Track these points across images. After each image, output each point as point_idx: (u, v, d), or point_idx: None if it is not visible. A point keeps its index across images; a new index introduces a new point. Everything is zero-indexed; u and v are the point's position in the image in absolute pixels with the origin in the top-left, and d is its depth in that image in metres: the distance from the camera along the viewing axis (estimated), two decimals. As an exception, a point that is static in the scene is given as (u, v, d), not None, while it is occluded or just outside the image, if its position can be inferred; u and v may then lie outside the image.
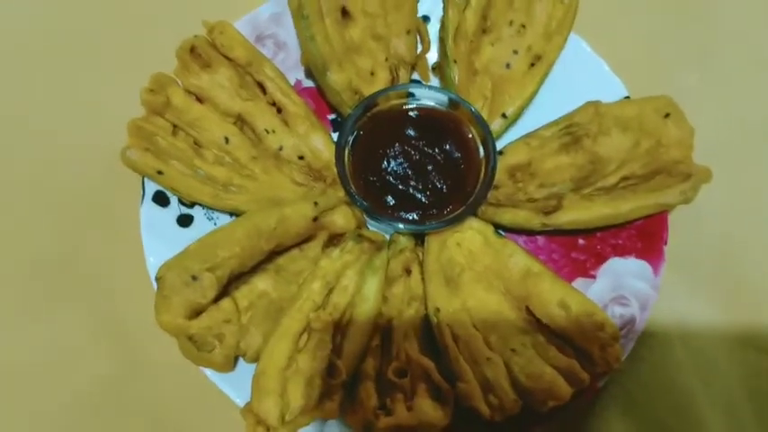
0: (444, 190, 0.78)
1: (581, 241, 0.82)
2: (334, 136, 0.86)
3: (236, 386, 0.72)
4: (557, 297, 0.73)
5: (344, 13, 0.85)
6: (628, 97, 0.84)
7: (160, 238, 0.77)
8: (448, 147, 0.80)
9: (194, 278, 0.69)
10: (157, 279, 0.69)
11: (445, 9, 0.81)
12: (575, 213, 0.77)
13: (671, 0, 1.03)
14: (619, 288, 0.78)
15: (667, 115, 0.78)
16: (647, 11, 1.02)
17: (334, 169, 0.80)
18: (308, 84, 0.89)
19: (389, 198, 0.78)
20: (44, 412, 0.80)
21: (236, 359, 0.72)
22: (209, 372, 0.72)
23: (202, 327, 0.69)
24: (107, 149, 0.78)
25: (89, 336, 0.82)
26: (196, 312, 0.70)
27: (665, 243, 0.78)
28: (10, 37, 0.98)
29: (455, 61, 0.81)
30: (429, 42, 0.88)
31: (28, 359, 0.81)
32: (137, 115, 0.78)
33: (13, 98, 0.95)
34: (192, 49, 0.81)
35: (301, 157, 0.82)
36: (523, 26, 0.85)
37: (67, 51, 0.97)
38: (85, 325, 0.82)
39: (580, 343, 0.71)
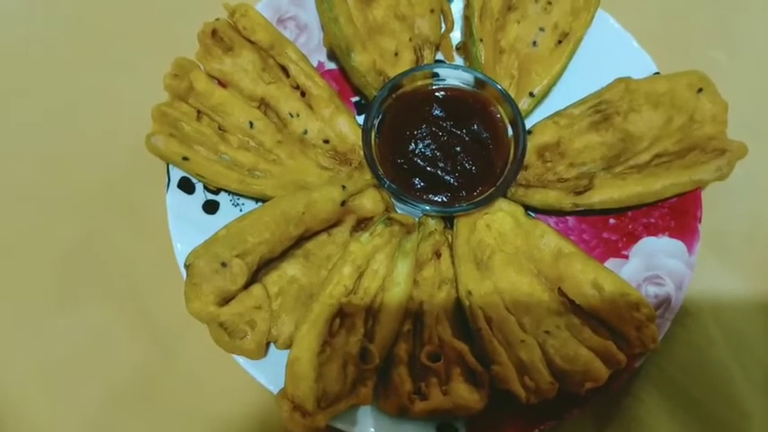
0: (473, 171, 0.77)
1: (612, 221, 0.80)
2: (359, 119, 0.85)
3: (268, 373, 0.71)
4: (589, 278, 0.71)
5: (366, -8, 0.84)
6: (657, 73, 0.82)
7: (187, 225, 0.76)
8: (476, 127, 0.78)
9: (224, 265, 0.69)
10: (186, 267, 0.69)
11: None
12: (607, 192, 0.75)
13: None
14: (653, 267, 0.77)
15: (700, 90, 0.76)
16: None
17: (360, 152, 0.79)
18: (331, 66, 0.88)
19: (417, 180, 0.77)
20: (79, 403, 0.79)
21: (267, 346, 0.71)
22: (241, 359, 0.71)
23: (233, 313, 0.69)
24: (132, 137, 0.77)
25: (120, 325, 0.81)
26: (226, 299, 0.69)
27: (700, 221, 0.77)
28: (34, 26, 0.98)
29: (481, 40, 0.80)
30: (453, 21, 0.87)
31: (61, 351, 0.81)
32: (160, 101, 0.78)
33: (38, 88, 0.94)
34: (214, 33, 0.80)
35: (326, 141, 0.81)
36: (549, 3, 0.83)
37: (90, 39, 0.96)
38: (117, 315, 0.82)
39: (615, 324, 0.70)
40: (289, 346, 0.70)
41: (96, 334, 0.81)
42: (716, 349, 0.78)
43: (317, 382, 0.64)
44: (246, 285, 0.70)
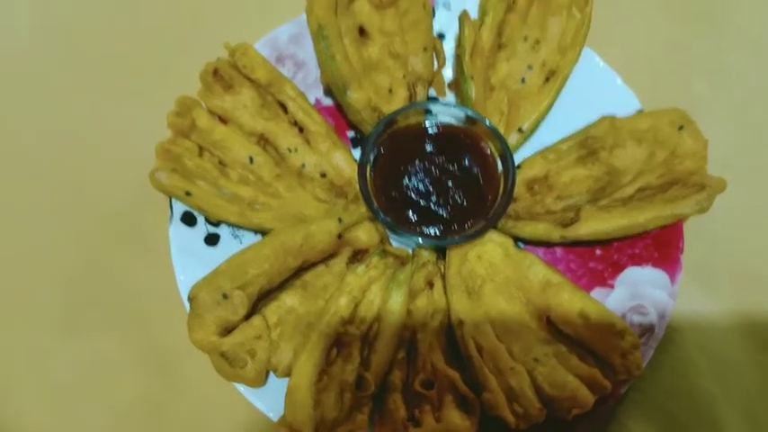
0: (464, 204, 0.80)
1: (598, 251, 0.84)
2: (355, 153, 0.88)
3: (268, 401, 0.73)
4: (576, 307, 0.75)
5: (362, 32, 0.87)
6: (641, 110, 0.86)
7: (189, 257, 0.79)
8: (467, 162, 0.82)
9: (225, 296, 0.72)
10: (190, 299, 0.72)
11: (461, 27, 0.83)
12: (593, 225, 0.78)
13: (680, 12, 1.04)
14: (637, 297, 0.80)
15: (681, 127, 0.80)
16: (657, 23, 1.03)
17: (356, 185, 0.82)
18: (328, 102, 0.91)
19: (411, 213, 0.80)
20: (82, 431, 0.81)
21: (267, 374, 0.74)
22: (242, 387, 0.73)
23: (235, 343, 0.71)
24: (136, 171, 0.80)
25: (124, 354, 0.83)
26: (228, 330, 0.72)
27: (682, 252, 0.80)
28: (42, 62, 1.01)
29: (472, 78, 0.83)
30: (445, 59, 0.90)
31: (65, 378, 0.83)
32: (163, 138, 0.80)
33: (45, 122, 0.97)
34: (215, 72, 0.83)
35: (323, 175, 0.84)
36: (538, 41, 0.87)
37: (96, 78, 0.99)
38: (120, 343, 0.84)
39: (601, 351, 0.73)
40: (288, 374, 0.72)
41: (100, 362, 0.83)
42: (699, 375, 0.81)
43: (314, 410, 0.67)
44: (247, 316, 0.73)
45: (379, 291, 0.76)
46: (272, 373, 0.75)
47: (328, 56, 0.82)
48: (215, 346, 0.71)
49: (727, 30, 1.03)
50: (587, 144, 0.83)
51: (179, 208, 0.81)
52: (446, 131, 0.84)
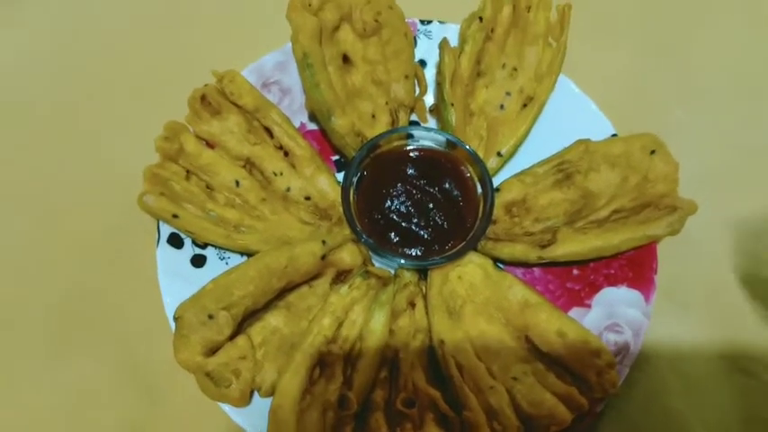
0: (445, 226, 0.82)
1: (575, 272, 0.86)
2: (339, 176, 0.90)
3: (252, 420, 0.75)
4: (554, 326, 0.76)
5: (345, 59, 0.90)
6: (615, 134, 0.89)
7: (175, 279, 0.81)
8: (447, 185, 0.84)
9: (211, 317, 0.73)
10: (176, 319, 0.73)
11: (441, 55, 0.86)
12: (569, 246, 0.81)
13: (652, 41, 1.08)
14: (612, 316, 0.82)
15: (653, 152, 0.83)
16: (630, 51, 1.07)
17: (340, 208, 0.84)
18: (312, 126, 0.94)
19: (393, 235, 0.82)
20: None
21: (251, 394, 0.75)
22: (226, 407, 0.75)
23: (219, 363, 0.73)
24: (124, 194, 0.82)
25: (110, 375, 0.84)
26: (213, 350, 0.73)
27: (655, 272, 0.83)
28: (28, 87, 1.03)
29: (452, 104, 0.86)
30: (426, 86, 0.93)
31: (51, 402, 0.83)
32: (151, 162, 0.82)
33: (34, 147, 0.99)
34: (203, 98, 0.86)
35: (308, 198, 0.86)
36: (515, 69, 0.90)
37: (86, 103, 1.02)
38: (106, 365, 0.85)
39: (578, 370, 0.75)
40: (271, 393, 0.73)
41: (85, 384, 0.84)
42: (673, 394, 0.83)
43: (297, 429, 0.68)
44: (232, 336, 0.74)
45: (362, 311, 0.78)
46: (256, 393, 0.76)
47: (313, 83, 0.84)
48: (200, 366, 0.72)
49: (693, 60, 1.07)
50: (563, 168, 0.86)
51: (166, 230, 0.82)
52: (427, 155, 0.87)
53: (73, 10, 1.10)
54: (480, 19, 0.87)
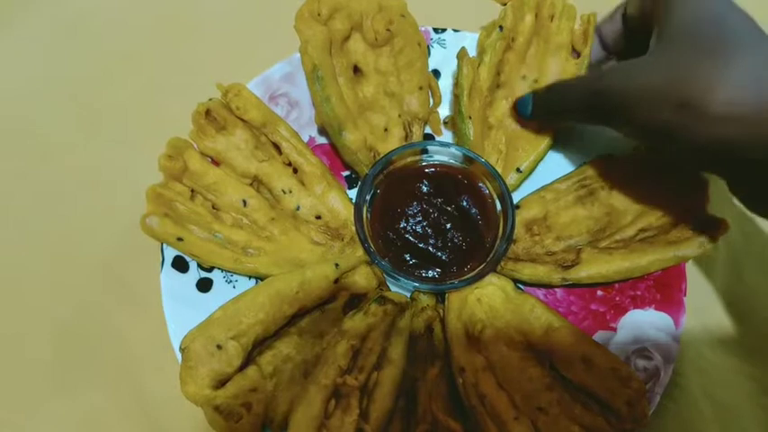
0: (463, 247, 0.79)
1: (599, 293, 0.82)
2: (350, 192, 0.87)
3: (264, 455, 0.71)
4: (580, 352, 0.73)
5: (356, 70, 0.86)
6: (639, 147, 0.85)
7: (181, 304, 0.77)
8: (465, 203, 0.80)
9: (219, 347, 0.69)
10: (182, 350, 0.69)
11: (459, 66, 0.82)
12: (594, 267, 0.77)
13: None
14: (640, 340, 0.78)
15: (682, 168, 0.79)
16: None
17: (352, 228, 0.81)
18: (322, 140, 0.90)
19: (409, 256, 0.79)
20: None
21: (262, 428, 0.71)
22: (237, 442, 0.71)
23: (229, 396, 0.69)
24: (126, 216, 0.79)
25: (115, 407, 0.81)
26: (222, 382, 0.69)
27: (685, 294, 0.79)
28: (29, 107, 1.00)
29: (470, 117, 0.82)
30: (440, 97, 0.89)
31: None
32: (155, 180, 0.79)
33: (34, 167, 0.95)
34: (208, 113, 0.82)
35: (319, 217, 0.83)
36: (536, 81, 0.86)
37: (85, 118, 0.98)
38: (111, 396, 0.81)
39: (606, 398, 0.71)
40: (284, 427, 0.69)
41: (90, 416, 0.81)
42: (707, 422, 0.80)
43: (313, 466, 0.65)
44: (242, 366, 0.71)
45: (379, 338, 0.74)
46: (267, 427, 0.72)
47: (323, 97, 0.80)
48: (209, 400, 0.68)
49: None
50: (586, 183, 0.82)
51: (170, 253, 0.79)
52: (443, 171, 0.83)
53: (75, 21, 1.06)
54: (501, 28, 0.82)
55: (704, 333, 0.84)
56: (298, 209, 0.82)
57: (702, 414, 0.80)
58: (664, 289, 0.80)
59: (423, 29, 0.89)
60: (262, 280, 0.77)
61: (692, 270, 0.80)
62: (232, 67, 0.88)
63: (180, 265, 0.79)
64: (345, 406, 0.70)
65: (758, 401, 0.81)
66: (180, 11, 1.07)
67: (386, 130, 0.86)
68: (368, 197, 0.80)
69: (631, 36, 0.80)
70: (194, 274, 0.79)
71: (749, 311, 0.86)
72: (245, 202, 0.81)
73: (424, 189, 0.81)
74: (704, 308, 0.85)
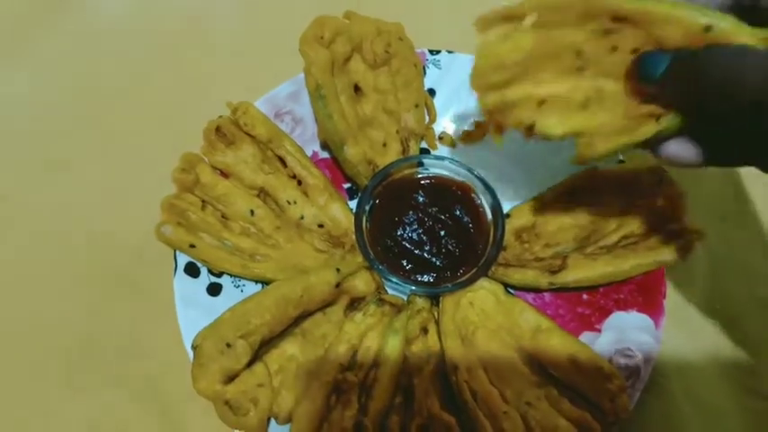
0: (457, 253, 0.84)
1: (585, 296, 0.87)
2: (351, 204, 0.92)
3: (270, 448, 0.75)
4: (566, 351, 0.77)
5: (357, 89, 0.92)
6: (622, 161, 0.90)
7: (193, 308, 0.82)
8: (458, 212, 0.86)
9: (229, 345, 0.74)
10: (194, 348, 0.74)
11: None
12: (580, 272, 0.82)
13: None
14: (623, 341, 0.83)
15: (660, 179, 0.84)
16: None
17: (353, 236, 0.86)
18: (324, 155, 0.96)
19: (405, 262, 0.84)
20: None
21: (268, 421, 0.76)
22: (244, 434, 0.76)
23: (238, 391, 0.74)
24: (141, 226, 0.84)
25: (131, 406, 0.85)
26: (231, 378, 0.74)
27: (665, 297, 0.84)
28: (46, 122, 1.06)
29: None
30: (435, 114, 0.95)
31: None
32: (168, 192, 0.84)
33: (52, 180, 1.01)
34: (218, 129, 0.88)
35: (321, 226, 0.88)
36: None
37: (105, 137, 1.04)
38: (127, 396, 0.86)
39: (591, 394, 0.75)
40: (288, 421, 0.74)
41: (106, 416, 0.85)
42: (686, 417, 0.83)
43: (315, 456, 0.70)
44: (249, 364, 0.75)
45: (376, 337, 0.79)
46: (273, 421, 0.76)
47: (326, 114, 0.86)
48: (219, 395, 0.73)
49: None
50: (572, 194, 0.87)
51: (183, 259, 0.84)
52: (438, 183, 0.88)
53: (87, 42, 1.13)
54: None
55: (686, 336, 0.88)
56: (302, 218, 0.88)
57: (683, 410, 0.84)
58: (645, 292, 0.85)
59: (419, 51, 0.96)
60: (268, 284, 0.83)
61: (674, 276, 0.85)
62: (241, 87, 0.94)
63: (192, 270, 0.84)
64: (346, 401, 0.75)
65: (741, 402, 0.85)
66: (193, 36, 1.15)
67: (384, 144, 0.91)
68: (367, 207, 0.86)
69: None
70: (205, 278, 0.84)
71: (730, 316, 0.90)
72: (252, 212, 0.86)
73: (420, 199, 0.87)
74: (686, 312, 0.89)
